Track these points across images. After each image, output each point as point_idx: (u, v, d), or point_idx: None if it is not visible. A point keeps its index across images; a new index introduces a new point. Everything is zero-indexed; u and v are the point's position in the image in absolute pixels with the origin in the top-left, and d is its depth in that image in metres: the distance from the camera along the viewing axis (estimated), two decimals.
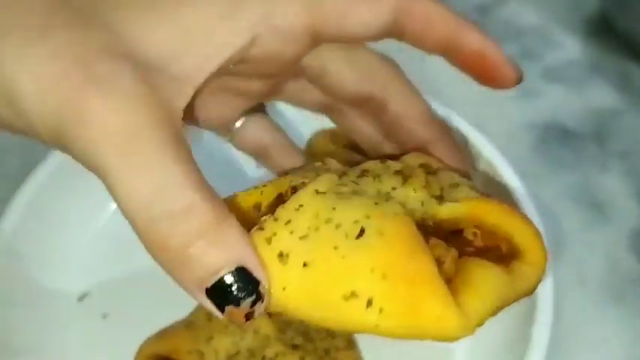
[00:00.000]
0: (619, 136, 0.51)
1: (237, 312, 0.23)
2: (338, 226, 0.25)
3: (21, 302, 0.41)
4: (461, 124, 0.46)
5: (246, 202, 0.29)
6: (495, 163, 0.44)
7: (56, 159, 0.43)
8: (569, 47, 0.57)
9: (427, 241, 0.26)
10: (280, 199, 0.28)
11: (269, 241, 0.25)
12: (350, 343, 0.38)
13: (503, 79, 0.29)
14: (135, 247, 0.24)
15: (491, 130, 0.46)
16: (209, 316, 0.37)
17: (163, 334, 0.38)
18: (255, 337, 0.36)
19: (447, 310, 0.24)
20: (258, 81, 0.33)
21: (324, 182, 0.28)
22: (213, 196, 0.24)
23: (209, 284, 0.23)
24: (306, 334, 0.37)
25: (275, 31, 0.27)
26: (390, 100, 0.33)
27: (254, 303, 0.23)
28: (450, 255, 0.27)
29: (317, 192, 0.27)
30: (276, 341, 0.36)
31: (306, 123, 0.47)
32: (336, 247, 0.25)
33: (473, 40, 0.28)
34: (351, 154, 0.45)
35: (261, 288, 0.23)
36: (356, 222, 0.25)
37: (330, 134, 0.46)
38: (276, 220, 0.26)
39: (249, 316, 0.23)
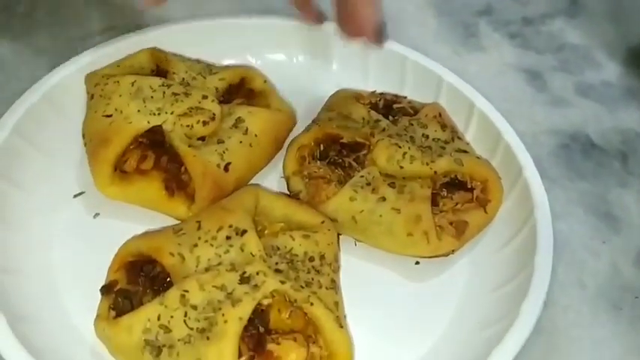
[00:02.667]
0: None
1: None
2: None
3: (23, 184, 0.41)
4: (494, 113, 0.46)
5: None
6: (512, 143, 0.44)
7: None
8: (608, 69, 0.57)
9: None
10: None
11: None
12: (334, 284, 0.37)
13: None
14: None
15: (517, 128, 0.46)
16: (198, 226, 0.37)
17: (150, 234, 0.37)
18: (240, 253, 0.35)
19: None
20: None
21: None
22: None
23: None
24: (292, 263, 0.36)
25: None
26: None
27: None
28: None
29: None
30: (260, 261, 0.35)
31: (328, 80, 0.49)
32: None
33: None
34: (370, 112, 0.45)
35: None
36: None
37: (354, 93, 0.47)
38: None
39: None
